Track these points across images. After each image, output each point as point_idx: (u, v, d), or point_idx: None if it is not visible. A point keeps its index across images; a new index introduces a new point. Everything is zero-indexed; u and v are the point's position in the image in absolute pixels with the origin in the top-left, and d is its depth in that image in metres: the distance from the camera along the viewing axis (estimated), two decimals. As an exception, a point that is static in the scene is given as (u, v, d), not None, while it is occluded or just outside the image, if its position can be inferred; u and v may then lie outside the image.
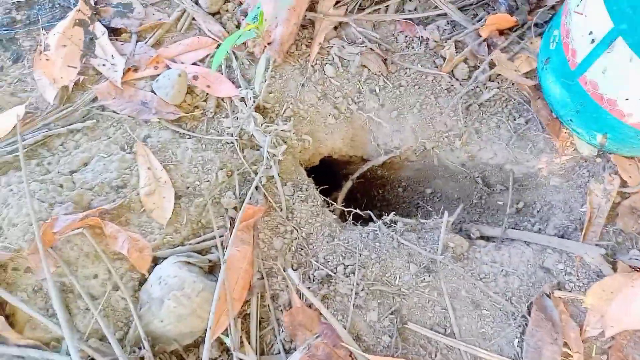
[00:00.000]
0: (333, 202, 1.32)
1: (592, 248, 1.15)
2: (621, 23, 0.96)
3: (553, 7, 1.39)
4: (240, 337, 1.06)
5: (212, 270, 1.11)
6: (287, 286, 1.12)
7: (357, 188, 1.59)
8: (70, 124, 1.18)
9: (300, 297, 1.10)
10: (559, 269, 1.16)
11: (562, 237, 1.22)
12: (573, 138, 1.28)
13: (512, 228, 1.31)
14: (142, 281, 1.06)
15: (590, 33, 1.04)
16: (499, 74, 1.34)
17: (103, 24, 1.31)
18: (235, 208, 1.16)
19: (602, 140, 1.19)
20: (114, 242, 1.04)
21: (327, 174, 1.39)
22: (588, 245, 1.17)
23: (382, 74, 1.35)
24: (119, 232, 1.05)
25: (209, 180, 1.17)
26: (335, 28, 1.39)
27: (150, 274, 1.05)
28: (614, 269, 1.14)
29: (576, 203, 1.25)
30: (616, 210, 1.21)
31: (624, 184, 1.22)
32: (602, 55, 1.03)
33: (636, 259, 1.13)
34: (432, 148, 1.40)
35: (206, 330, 1.00)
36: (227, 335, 1.03)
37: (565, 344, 1.08)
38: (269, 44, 1.29)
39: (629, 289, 1.10)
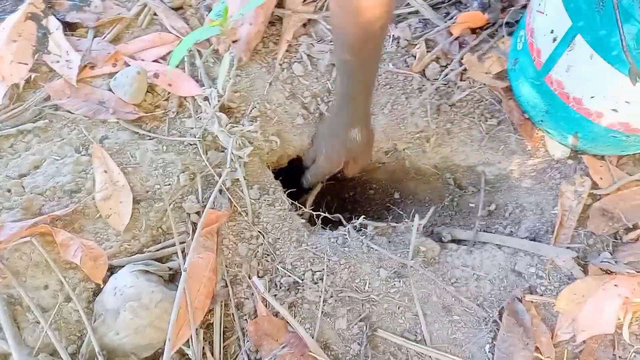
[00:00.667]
0: (302, 206, 1.28)
1: (564, 251, 1.14)
2: (578, 20, 0.95)
3: (525, 6, 1.37)
4: (203, 348, 1.01)
5: (172, 279, 1.06)
6: (252, 294, 1.08)
7: (327, 190, 1.55)
8: (21, 124, 1.11)
9: (266, 306, 1.06)
10: (531, 273, 1.14)
11: (533, 239, 1.20)
12: (545, 140, 1.26)
13: (484, 231, 1.29)
14: (97, 292, 1.00)
15: (552, 32, 1.03)
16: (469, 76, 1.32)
17: (57, 18, 1.24)
18: (197, 213, 1.11)
19: (573, 140, 1.18)
20: (66, 250, 0.98)
21: (295, 176, 1.34)
22: (559, 248, 1.15)
23: (352, 73, 1.31)
24: (72, 240, 0.99)
25: (170, 184, 1.11)
26: (304, 25, 1.35)
27: (105, 284, 0.99)
28: (585, 272, 1.13)
29: (548, 205, 1.23)
30: (587, 213, 1.20)
31: (595, 185, 1.21)
32: (565, 54, 1.01)
33: (607, 262, 1.12)
34: (404, 149, 1.37)
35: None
36: (189, 347, 0.99)
37: (537, 349, 1.07)
38: (234, 42, 1.24)
39: (600, 292, 1.08)
